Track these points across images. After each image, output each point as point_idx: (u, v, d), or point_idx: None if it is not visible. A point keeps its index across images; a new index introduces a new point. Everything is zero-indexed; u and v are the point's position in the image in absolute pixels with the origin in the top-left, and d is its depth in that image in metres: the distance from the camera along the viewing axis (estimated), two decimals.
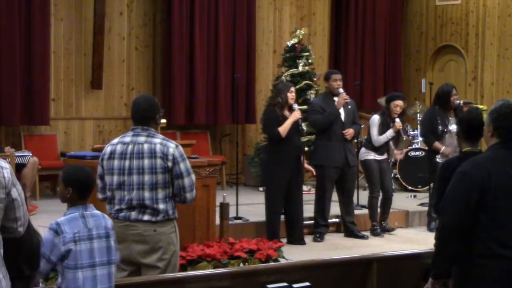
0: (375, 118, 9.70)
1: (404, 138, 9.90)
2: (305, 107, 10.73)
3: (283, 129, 8.82)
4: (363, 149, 9.81)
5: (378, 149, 9.64)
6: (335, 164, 9.26)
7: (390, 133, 9.56)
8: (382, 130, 9.58)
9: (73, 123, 11.82)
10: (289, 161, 8.93)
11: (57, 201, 4.53)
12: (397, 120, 9.59)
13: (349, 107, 9.42)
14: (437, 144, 9.53)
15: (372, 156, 9.64)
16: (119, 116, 12.13)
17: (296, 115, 8.86)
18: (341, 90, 9.31)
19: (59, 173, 4.57)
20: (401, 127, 9.62)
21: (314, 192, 9.77)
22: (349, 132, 9.30)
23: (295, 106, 8.96)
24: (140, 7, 12.32)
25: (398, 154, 10.38)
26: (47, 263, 4.30)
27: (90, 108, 11.94)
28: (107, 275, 4.35)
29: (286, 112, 8.92)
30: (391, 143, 9.91)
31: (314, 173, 9.36)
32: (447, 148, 9.34)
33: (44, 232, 4.35)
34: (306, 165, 9.23)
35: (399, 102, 9.65)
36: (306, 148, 9.88)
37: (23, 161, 9.73)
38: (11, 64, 10.83)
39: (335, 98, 9.34)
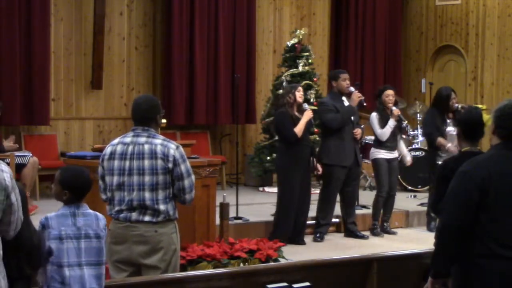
0: (373, 115, 9.74)
1: (405, 124, 9.83)
2: (314, 107, 10.71)
3: (299, 129, 8.80)
4: (373, 149, 9.84)
5: (387, 146, 9.64)
6: (346, 164, 9.24)
7: (391, 122, 9.57)
8: (383, 124, 9.62)
9: (73, 123, 11.82)
10: (303, 161, 8.93)
11: (57, 201, 4.53)
12: (394, 108, 9.64)
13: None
14: (441, 140, 9.47)
15: (382, 154, 9.66)
16: (119, 116, 12.13)
17: (309, 114, 8.86)
18: (352, 88, 9.31)
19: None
20: (399, 113, 9.65)
21: (316, 192, 9.73)
22: (358, 131, 9.33)
23: (306, 105, 8.97)
24: (140, 7, 12.32)
25: (409, 161, 10.20)
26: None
27: (90, 108, 11.94)
28: (96, 276, 4.32)
29: (296, 112, 8.92)
30: (401, 143, 9.90)
31: (320, 171, 9.26)
32: (452, 145, 9.20)
33: None
34: (318, 166, 9.17)
35: (389, 92, 9.74)
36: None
37: (23, 161, 9.73)
38: (11, 64, 10.83)
39: (343, 98, 9.35)
